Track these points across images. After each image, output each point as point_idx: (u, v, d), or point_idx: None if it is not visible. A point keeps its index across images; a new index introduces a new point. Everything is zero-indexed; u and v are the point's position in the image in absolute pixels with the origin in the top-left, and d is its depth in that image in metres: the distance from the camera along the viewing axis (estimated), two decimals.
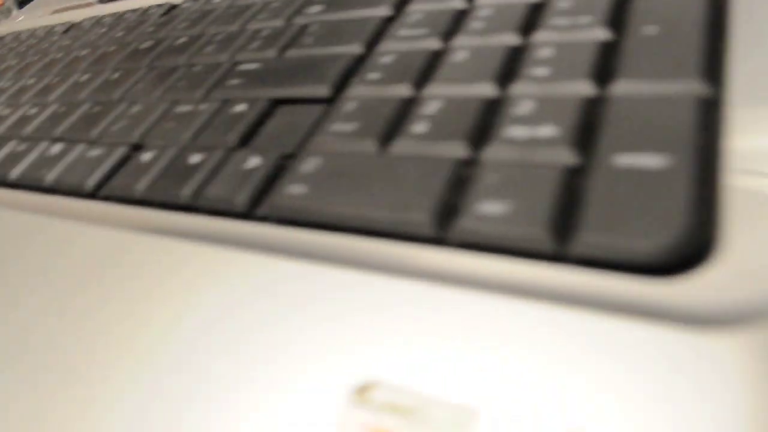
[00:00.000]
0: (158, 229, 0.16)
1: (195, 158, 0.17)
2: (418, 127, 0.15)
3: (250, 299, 0.12)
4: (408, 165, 0.14)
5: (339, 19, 0.21)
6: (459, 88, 0.15)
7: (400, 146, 0.15)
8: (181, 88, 0.21)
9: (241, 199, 0.15)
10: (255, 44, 0.22)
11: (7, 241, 0.18)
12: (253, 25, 0.24)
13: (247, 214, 0.15)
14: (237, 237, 0.15)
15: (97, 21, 0.34)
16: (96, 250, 0.16)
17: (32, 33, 0.38)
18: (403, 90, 0.16)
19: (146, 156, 0.18)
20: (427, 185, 0.13)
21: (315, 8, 0.23)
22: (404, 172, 0.14)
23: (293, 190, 0.15)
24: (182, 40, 0.25)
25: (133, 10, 0.33)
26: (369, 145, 0.15)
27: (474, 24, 0.18)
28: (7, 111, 0.27)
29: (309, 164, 0.15)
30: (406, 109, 0.16)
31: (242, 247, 0.14)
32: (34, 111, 0.25)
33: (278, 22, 0.23)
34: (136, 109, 0.21)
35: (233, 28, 0.24)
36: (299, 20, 0.22)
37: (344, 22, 0.21)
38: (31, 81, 0.29)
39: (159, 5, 0.32)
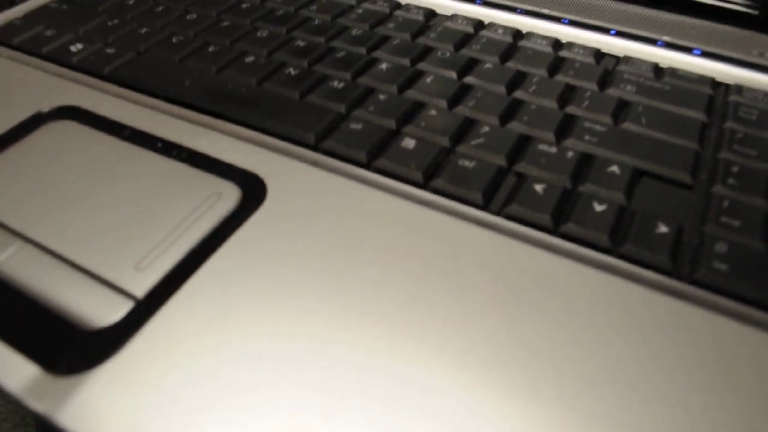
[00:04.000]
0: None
1: (599, 207, 0.22)
2: None
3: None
4: None
5: (666, 110, 0.26)
6: None
7: None
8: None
9: (664, 261, 0.20)
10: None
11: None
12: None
13: (669, 272, 0.20)
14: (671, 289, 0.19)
15: None
16: None
17: None
18: (762, 203, 0.22)
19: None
20: None
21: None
22: None
23: (718, 266, 0.20)
24: None
25: None
26: (758, 244, 0.21)
27: None
28: None
29: (721, 247, 0.20)
30: None
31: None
32: None
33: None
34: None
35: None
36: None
37: (670, 115, 0.26)
38: None
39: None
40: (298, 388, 0.16)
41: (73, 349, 0.17)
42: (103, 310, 0.17)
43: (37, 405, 0.16)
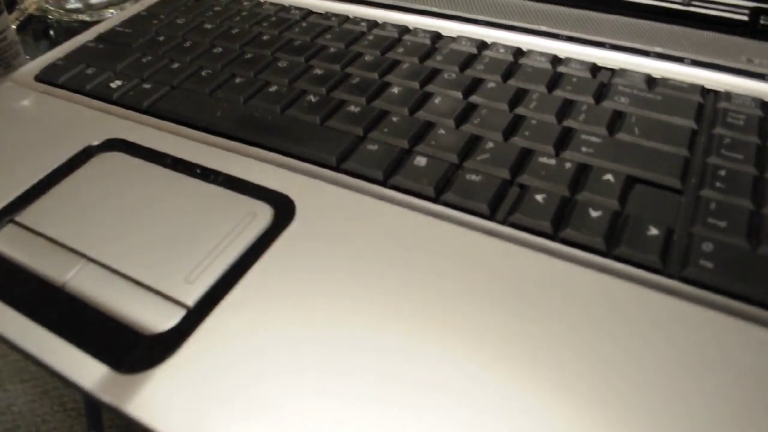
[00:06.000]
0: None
1: (594, 213, 0.24)
2: None
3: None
4: None
5: (658, 119, 0.28)
6: None
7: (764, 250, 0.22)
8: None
9: (655, 261, 0.22)
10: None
11: None
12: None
13: (659, 270, 0.22)
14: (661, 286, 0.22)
15: None
16: None
17: None
18: (747, 204, 0.24)
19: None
20: None
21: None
22: None
23: (705, 264, 0.22)
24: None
25: None
26: (742, 242, 0.23)
27: None
28: None
29: (707, 246, 0.23)
30: (754, 220, 0.23)
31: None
32: None
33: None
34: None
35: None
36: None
37: (662, 124, 0.28)
38: None
39: None
40: (328, 380, 0.18)
41: (136, 351, 0.20)
42: (159, 318, 0.20)
43: (108, 398, 0.18)
